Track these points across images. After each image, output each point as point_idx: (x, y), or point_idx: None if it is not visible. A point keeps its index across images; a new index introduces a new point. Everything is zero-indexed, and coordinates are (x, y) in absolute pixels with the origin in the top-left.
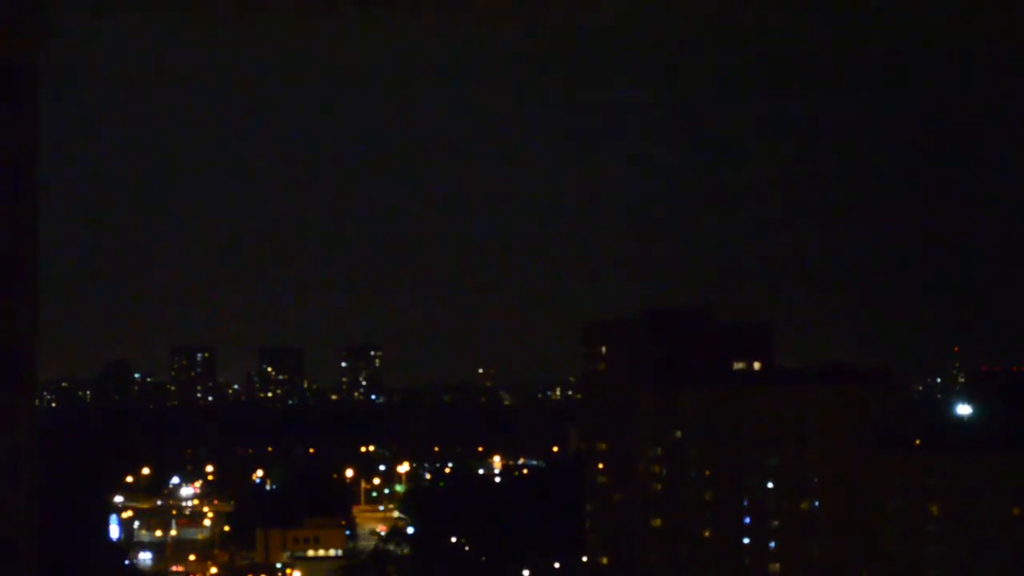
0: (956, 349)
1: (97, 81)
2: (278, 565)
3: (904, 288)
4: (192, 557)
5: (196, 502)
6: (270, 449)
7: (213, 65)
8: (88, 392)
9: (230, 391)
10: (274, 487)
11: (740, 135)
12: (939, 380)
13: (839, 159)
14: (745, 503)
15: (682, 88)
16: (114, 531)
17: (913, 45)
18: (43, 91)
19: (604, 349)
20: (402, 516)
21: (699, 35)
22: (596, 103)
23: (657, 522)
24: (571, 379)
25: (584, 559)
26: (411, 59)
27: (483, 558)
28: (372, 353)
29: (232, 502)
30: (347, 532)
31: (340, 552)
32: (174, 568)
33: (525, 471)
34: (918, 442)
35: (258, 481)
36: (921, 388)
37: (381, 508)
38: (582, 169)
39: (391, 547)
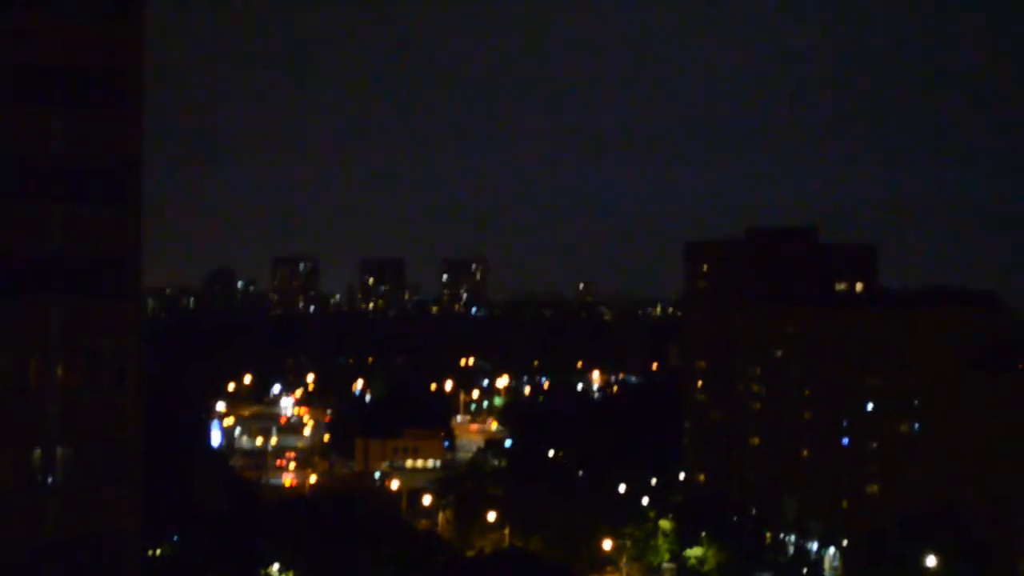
0: None
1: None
2: (377, 474)
3: (1012, 212)
4: (292, 465)
5: (297, 411)
6: (370, 360)
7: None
8: (192, 299)
9: (332, 301)
10: (373, 398)
11: (846, 66)
12: None
13: (952, 87)
14: (844, 424)
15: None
16: (216, 438)
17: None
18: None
19: (706, 267)
20: (500, 429)
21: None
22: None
23: (755, 441)
24: (672, 296)
25: (681, 476)
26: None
27: (580, 472)
28: (473, 267)
29: (332, 411)
30: (446, 444)
31: (438, 463)
32: (279, 463)
33: (624, 387)
34: (1022, 366)
35: (357, 392)
36: None
37: (480, 421)
38: (688, 92)
39: (489, 459)
